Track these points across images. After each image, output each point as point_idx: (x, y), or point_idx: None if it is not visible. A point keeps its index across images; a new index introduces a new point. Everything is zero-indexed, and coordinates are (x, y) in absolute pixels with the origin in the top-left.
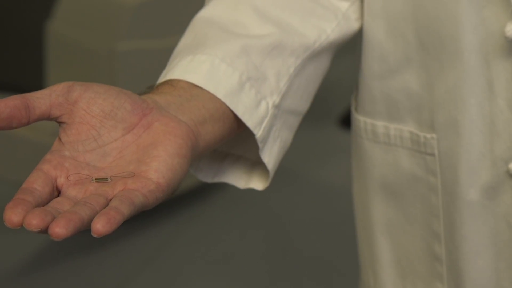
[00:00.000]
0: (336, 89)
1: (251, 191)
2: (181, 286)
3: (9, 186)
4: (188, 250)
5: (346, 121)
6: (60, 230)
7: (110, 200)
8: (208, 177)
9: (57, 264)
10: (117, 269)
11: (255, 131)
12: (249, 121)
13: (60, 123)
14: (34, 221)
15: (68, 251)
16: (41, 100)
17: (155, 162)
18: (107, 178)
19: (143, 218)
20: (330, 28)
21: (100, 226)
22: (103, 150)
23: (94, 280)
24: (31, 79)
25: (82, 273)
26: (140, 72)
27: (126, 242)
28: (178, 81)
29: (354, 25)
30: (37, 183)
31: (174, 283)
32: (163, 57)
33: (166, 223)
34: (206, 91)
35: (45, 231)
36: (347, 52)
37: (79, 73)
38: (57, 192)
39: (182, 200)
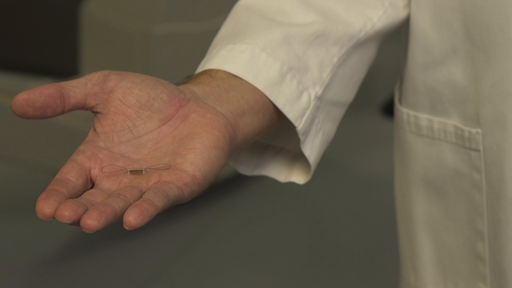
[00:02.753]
0: (379, 76)
1: (297, 183)
2: (216, 277)
3: (41, 172)
4: (223, 241)
5: (389, 110)
6: (92, 222)
7: (144, 192)
8: (248, 170)
9: (90, 253)
10: (151, 259)
11: (296, 123)
12: (290, 113)
13: (95, 113)
14: (67, 213)
15: (101, 240)
16: (77, 89)
17: (191, 154)
18: (142, 170)
19: (178, 207)
20: (376, 16)
21: (132, 219)
22: (138, 141)
23: (128, 269)
24: (65, 62)
25: (116, 263)
26: (176, 56)
27: (160, 231)
28: (217, 71)
29: (401, 13)
30: (70, 174)
31: (208, 274)
32: (200, 41)
33: (202, 212)
34: (246, 81)
35: (77, 223)
36: (392, 38)
37: (114, 56)
38: (91, 183)
39: (218, 189)
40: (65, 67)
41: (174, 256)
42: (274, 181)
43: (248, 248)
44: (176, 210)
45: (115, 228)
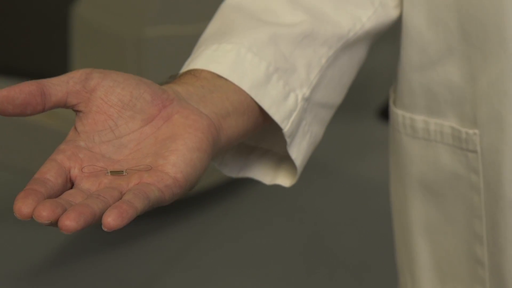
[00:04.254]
0: (376, 78)
1: (283, 186)
2: (210, 284)
3: (27, 176)
4: (218, 247)
5: (385, 113)
6: (70, 223)
7: (124, 194)
8: (233, 172)
9: (81, 260)
10: (144, 266)
11: (282, 125)
12: (276, 115)
13: (76, 111)
14: (44, 213)
15: (93, 247)
16: (58, 87)
17: (173, 156)
18: (122, 171)
19: (170, 214)
20: (366, 16)
21: (111, 220)
22: (119, 141)
23: (121, 276)
24: (55, 65)
25: (108, 270)
26: (169, 59)
27: (152, 238)
28: (202, 71)
29: (392, 13)
30: (50, 174)
31: (202, 281)
32: (193, 44)
33: (194, 219)
34: (231, 82)
35: (55, 223)
36: (389, 39)
37: (105, 59)
38: (70, 183)
39: (210, 195)
40: (55, 70)
41: (167, 263)
42: (268, 186)
43: (243, 255)
44: (168, 217)
45: (108, 235)
